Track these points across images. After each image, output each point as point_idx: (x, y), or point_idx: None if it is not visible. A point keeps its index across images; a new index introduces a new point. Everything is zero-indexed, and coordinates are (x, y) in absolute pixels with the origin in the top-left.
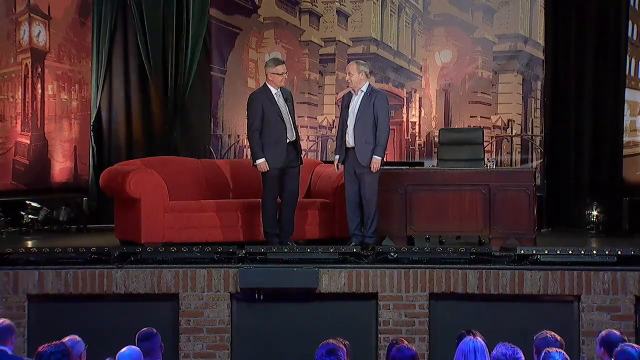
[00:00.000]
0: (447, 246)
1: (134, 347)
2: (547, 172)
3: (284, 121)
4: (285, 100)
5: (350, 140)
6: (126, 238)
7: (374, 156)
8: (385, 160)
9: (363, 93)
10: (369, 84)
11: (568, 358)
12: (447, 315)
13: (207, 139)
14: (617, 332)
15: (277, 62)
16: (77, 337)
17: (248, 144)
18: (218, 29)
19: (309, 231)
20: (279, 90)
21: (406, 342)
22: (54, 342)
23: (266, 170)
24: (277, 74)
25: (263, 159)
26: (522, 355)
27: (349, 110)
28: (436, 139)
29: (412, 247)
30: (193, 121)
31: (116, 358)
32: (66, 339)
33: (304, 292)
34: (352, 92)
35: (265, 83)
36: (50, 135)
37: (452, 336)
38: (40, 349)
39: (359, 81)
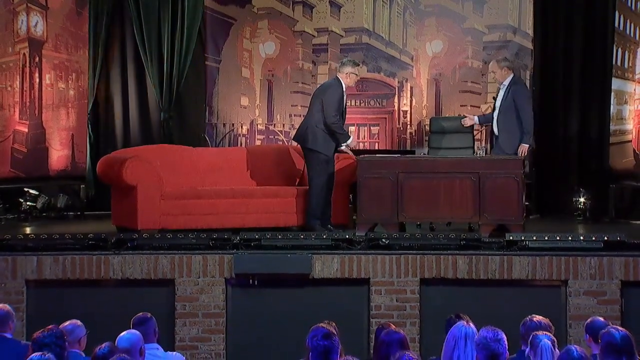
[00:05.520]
0: (438, 232)
1: (134, 330)
2: (535, 160)
3: (343, 117)
4: None
5: (495, 130)
6: (123, 225)
7: (522, 144)
8: (377, 148)
9: (505, 87)
10: (513, 77)
11: (555, 340)
12: (438, 300)
13: (202, 128)
14: (601, 319)
15: (356, 64)
16: (77, 322)
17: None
18: (213, 19)
19: (304, 218)
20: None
21: (393, 326)
22: (48, 327)
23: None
24: (355, 74)
25: (351, 137)
26: (504, 337)
27: (495, 102)
28: (427, 128)
29: (404, 233)
30: (188, 110)
31: (116, 342)
32: (67, 324)
33: (298, 277)
34: (498, 84)
35: (338, 78)
36: (47, 123)
37: (442, 320)
38: (35, 335)
39: (503, 75)
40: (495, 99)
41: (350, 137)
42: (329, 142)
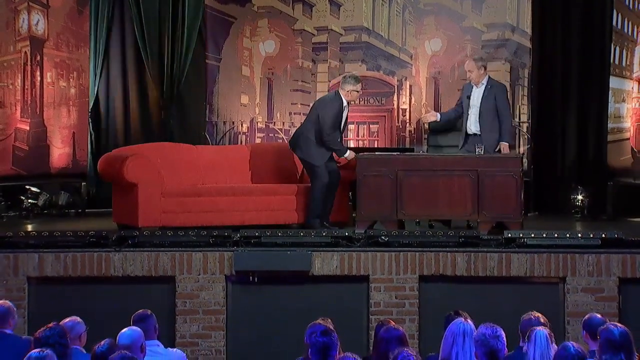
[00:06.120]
0: (437, 230)
1: (134, 327)
2: (533, 158)
3: (340, 130)
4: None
5: (473, 129)
6: (124, 222)
7: (502, 142)
8: (376, 146)
9: (484, 86)
10: (488, 77)
11: (552, 334)
12: (437, 297)
13: (202, 126)
14: (599, 316)
15: (358, 80)
16: (77, 318)
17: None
18: (213, 18)
19: (304, 215)
20: (347, 104)
21: (393, 323)
22: (49, 325)
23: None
24: (357, 91)
25: (348, 151)
26: (503, 333)
27: (470, 101)
28: (426, 126)
29: (403, 230)
30: (189, 108)
31: (117, 338)
32: (67, 320)
33: (297, 274)
34: (474, 85)
35: (339, 94)
36: (49, 121)
37: (441, 317)
38: (37, 334)
39: (480, 75)
40: (469, 97)
41: (347, 150)
42: (322, 152)
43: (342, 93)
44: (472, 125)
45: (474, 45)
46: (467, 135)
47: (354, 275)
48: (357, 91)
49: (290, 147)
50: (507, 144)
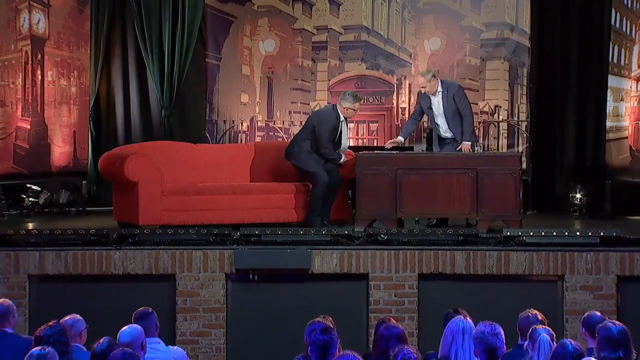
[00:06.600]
0: (436, 228)
1: (135, 325)
2: (532, 157)
3: (334, 142)
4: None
5: (448, 135)
6: (124, 220)
7: (464, 142)
8: (375, 144)
9: (441, 92)
10: (441, 82)
11: (554, 334)
12: (436, 295)
13: (202, 125)
14: (598, 313)
15: (357, 98)
16: (77, 316)
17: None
18: (213, 17)
19: (304, 214)
20: (345, 119)
21: (393, 321)
22: (50, 323)
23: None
24: (354, 109)
25: (342, 157)
26: (502, 331)
27: (434, 111)
28: (425, 125)
29: (402, 229)
30: (189, 107)
31: (117, 336)
32: (67, 318)
33: (297, 272)
34: (430, 95)
35: (336, 108)
36: (50, 120)
37: (440, 315)
38: (37, 332)
39: (433, 86)
40: (431, 108)
41: (341, 157)
42: (315, 156)
43: (339, 108)
44: (445, 132)
45: (473, 44)
46: (441, 138)
47: (353, 273)
48: (354, 110)
49: (285, 156)
50: (469, 143)
